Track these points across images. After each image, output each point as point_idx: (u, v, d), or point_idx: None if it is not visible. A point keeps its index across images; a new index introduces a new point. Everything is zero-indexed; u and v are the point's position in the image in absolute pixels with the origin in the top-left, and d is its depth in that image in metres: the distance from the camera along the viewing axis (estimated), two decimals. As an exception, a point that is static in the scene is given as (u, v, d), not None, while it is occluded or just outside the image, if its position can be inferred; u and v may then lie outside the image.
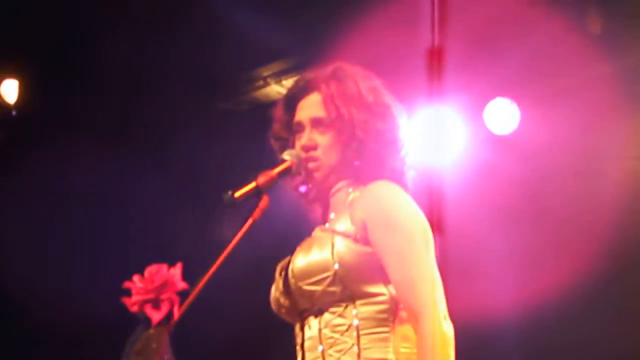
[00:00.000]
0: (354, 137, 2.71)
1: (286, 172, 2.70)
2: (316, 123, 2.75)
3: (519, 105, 5.25)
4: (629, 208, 4.95)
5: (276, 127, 2.85)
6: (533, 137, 5.21)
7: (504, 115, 5.26)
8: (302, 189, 2.83)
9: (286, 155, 2.73)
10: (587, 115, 5.05)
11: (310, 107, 2.78)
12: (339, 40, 4.58)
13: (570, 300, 4.95)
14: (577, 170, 5.15)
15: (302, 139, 2.75)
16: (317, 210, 2.85)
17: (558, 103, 5.15)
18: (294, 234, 2.85)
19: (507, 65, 5.05)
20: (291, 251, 2.74)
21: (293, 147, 2.80)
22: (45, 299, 5.68)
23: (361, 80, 2.77)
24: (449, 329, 2.51)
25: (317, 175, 2.74)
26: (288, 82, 5.64)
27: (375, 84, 2.78)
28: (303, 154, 2.74)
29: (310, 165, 2.73)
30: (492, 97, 5.27)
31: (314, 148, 2.74)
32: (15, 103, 5.57)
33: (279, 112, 2.86)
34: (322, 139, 2.74)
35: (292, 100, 2.84)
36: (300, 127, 2.78)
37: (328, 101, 2.73)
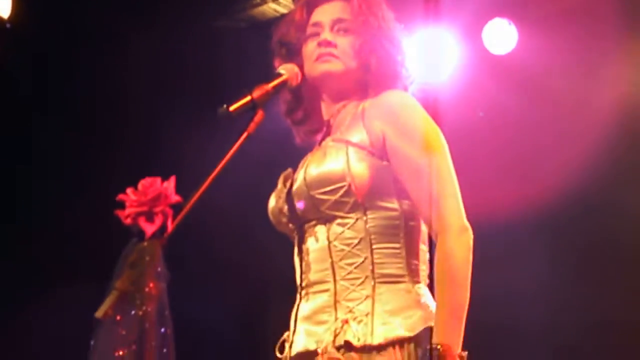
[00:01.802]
0: (380, 46, 2.71)
1: (281, 85, 2.69)
2: (338, 24, 2.74)
3: (517, 26, 5.22)
4: (624, 131, 4.95)
5: (287, 30, 2.82)
6: (530, 58, 5.18)
7: (501, 35, 5.23)
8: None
9: (282, 69, 2.72)
10: (585, 37, 5.02)
11: (333, 10, 2.76)
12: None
13: (557, 212, 5.00)
14: (572, 92, 5.13)
15: (322, 36, 2.73)
16: (304, 133, 2.85)
17: (557, 24, 5.11)
18: (289, 150, 2.85)
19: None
20: (289, 165, 2.75)
21: (300, 55, 2.78)
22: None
23: (383, 3, 2.78)
24: (468, 241, 2.52)
25: (331, 67, 2.70)
26: (285, 1, 5.59)
27: (391, 14, 2.79)
28: (297, 69, 2.73)
29: (325, 58, 2.71)
30: (491, 17, 5.23)
31: (334, 45, 2.71)
32: (9, 17, 5.52)
33: (295, 14, 2.83)
34: (343, 40, 2.72)
35: (310, 4, 2.81)
36: (318, 28, 2.76)
37: (356, 7, 2.72)
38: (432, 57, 5.09)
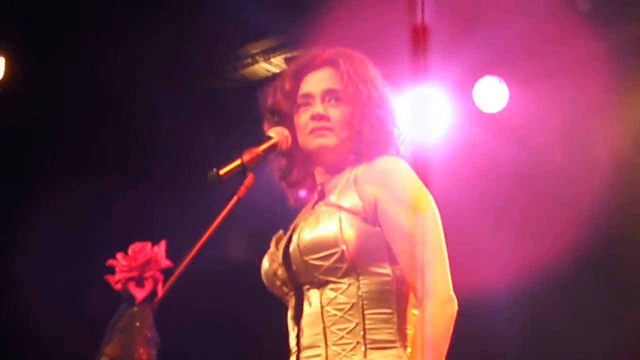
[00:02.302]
0: (372, 114, 2.71)
1: (272, 149, 2.69)
2: (329, 95, 2.74)
3: (507, 83, 5.25)
4: (616, 186, 4.96)
5: (277, 98, 2.81)
6: (521, 115, 5.20)
7: (492, 93, 5.25)
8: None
9: (272, 132, 2.72)
10: (575, 93, 5.05)
11: (322, 80, 2.77)
12: (325, 19, 4.57)
13: (557, 272, 4.98)
14: (565, 148, 5.15)
15: (314, 109, 2.73)
16: (297, 196, 2.85)
17: (547, 81, 5.15)
18: (279, 212, 2.84)
19: (495, 43, 5.04)
20: (279, 227, 2.74)
21: (291, 122, 2.78)
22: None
23: (368, 65, 2.79)
24: (452, 312, 2.51)
25: (326, 142, 2.71)
26: (276, 60, 5.63)
27: (377, 72, 2.80)
28: (287, 132, 2.73)
29: (319, 132, 2.71)
30: (481, 75, 5.26)
31: (327, 118, 2.72)
32: (2, 80, 5.55)
33: (284, 84, 2.82)
34: (335, 112, 2.73)
35: (298, 73, 2.81)
36: (308, 99, 2.76)
37: (345, 76, 2.73)
38: (422, 116, 5.11)
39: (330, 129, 2.72)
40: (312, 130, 2.72)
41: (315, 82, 2.77)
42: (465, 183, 5.22)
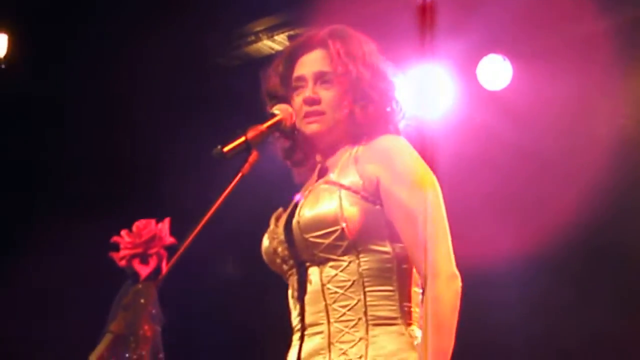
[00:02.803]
0: (362, 93, 2.71)
1: (276, 126, 2.69)
2: (320, 77, 2.74)
3: (511, 61, 5.24)
4: (619, 165, 4.95)
5: (273, 81, 2.83)
6: (525, 94, 5.20)
7: (496, 71, 5.24)
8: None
9: (276, 110, 2.72)
10: (579, 72, 5.03)
11: (314, 62, 2.77)
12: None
13: (557, 251, 4.99)
14: (568, 126, 5.14)
15: (306, 92, 2.74)
16: (304, 173, 2.85)
17: (551, 59, 5.14)
18: (284, 189, 2.85)
19: (499, 21, 5.03)
20: (281, 204, 2.74)
21: (290, 101, 2.78)
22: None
23: (363, 42, 2.78)
24: (457, 288, 2.51)
25: (319, 127, 2.72)
26: (280, 38, 5.62)
27: (374, 47, 2.80)
28: (291, 109, 2.73)
29: (312, 119, 2.72)
30: (485, 53, 5.25)
31: (318, 102, 2.72)
32: (5, 56, 5.55)
33: (277, 67, 2.84)
34: (327, 94, 2.73)
35: (292, 56, 2.82)
36: (301, 82, 2.77)
37: (335, 57, 2.73)
38: (427, 94, 5.11)
39: (322, 113, 2.72)
40: (306, 115, 2.73)
41: (307, 64, 2.78)
42: (468, 160, 5.22)
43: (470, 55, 5.23)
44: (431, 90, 5.16)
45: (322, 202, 2.59)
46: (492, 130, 5.27)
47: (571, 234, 4.93)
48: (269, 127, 2.65)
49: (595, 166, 4.93)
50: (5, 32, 5.61)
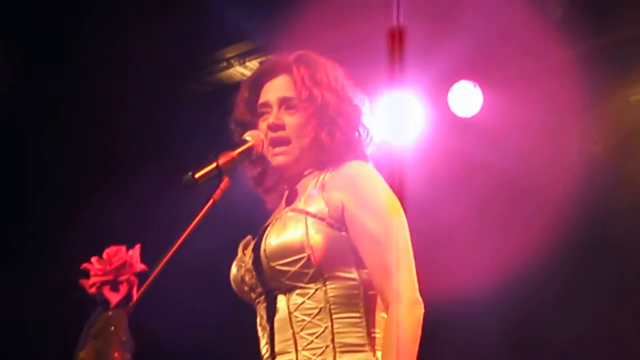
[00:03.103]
0: (327, 118, 2.71)
1: (247, 152, 2.69)
2: (285, 103, 2.74)
3: (482, 88, 5.27)
4: (589, 187, 4.99)
5: (239, 109, 2.84)
6: (496, 120, 5.23)
7: (467, 98, 5.27)
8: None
9: (247, 136, 2.72)
10: (549, 98, 5.08)
11: (278, 88, 2.77)
12: (301, 22, 4.57)
13: (534, 271, 5.00)
14: (539, 152, 5.18)
15: (270, 119, 2.74)
16: (274, 199, 2.85)
17: (521, 86, 5.17)
18: (254, 216, 2.84)
19: (470, 48, 5.06)
20: (249, 232, 2.74)
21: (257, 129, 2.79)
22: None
23: (328, 67, 2.79)
24: (419, 315, 2.51)
25: (285, 159, 2.73)
26: (252, 64, 5.63)
27: (339, 72, 2.80)
28: (263, 135, 2.73)
29: (278, 150, 2.72)
30: (456, 80, 5.28)
31: (282, 127, 2.72)
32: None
33: (242, 94, 2.84)
34: (291, 120, 2.73)
35: (257, 82, 2.83)
36: (266, 108, 2.77)
37: (299, 82, 2.73)
38: (397, 121, 5.12)
39: (287, 141, 2.72)
40: (271, 142, 2.73)
41: (272, 90, 2.78)
42: (441, 186, 5.24)
43: (441, 81, 5.26)
44: (402, 117, 5.18)
45: (288, 230, 2.59)
46: (464, 155, 5.29)
47: (543, 257, 4.95)
48: (240, 153, 2.65)
49: (566, 190, 4.96)
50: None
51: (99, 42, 5.42)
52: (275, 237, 2.61)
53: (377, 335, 2.60)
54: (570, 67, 4.95)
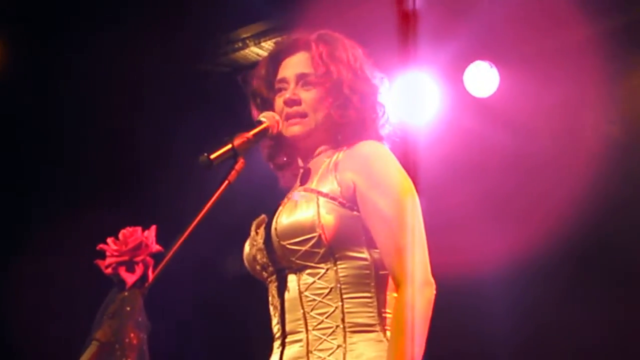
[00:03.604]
0: (341, 95, 2.71)
1: (262, 133, 2.69)
2: (302, 79, 2.75)
3: (498, 68, 5.24)
4: (606, 170, 4.96)
5: (257, 83, 2.85)
6: (512, 100, 5.20)
7: (483, 78, 5.25)
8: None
9: (262, 117, 2.72)
10: (566, 78, 5.05)
11: (296, 64, 2.78)
12: (316, 3, 4.55)
13: (546, 256, 4.99)
14: (555, 133, 5.16)
15: (286, 94, 2.75)
16: (288, 177, 2.85)
17: (538, 66, 5.15)
18: (268, 195, 2.85)
19: (486, 27, 5.04)
20: (265, 211, 2.74)
21: (273, 108, 2.79)
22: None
23: (348, 46, 2.79)
24: (430, 296, 2.51)
25: (300, 130, 2.73)
26: (267, 44, 5.61)
27: (359, 52, 2.80)
28: (278, 117, 2.74)
29: (293, 121, 2.73)
30: (472, 60, 5.26)
31: (299, 103, 2.73)
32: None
33: (261, 69, 2.86)
34: (308, 95, 2.74)
35: (276, 58, 2.84)
36: (284, 84, 2.78)
37: (316, 59, 2.74)
38: (413, 101, 5.11)
39: (304, 114, 2.73)
40: (287, 117, 2.74)
41: (290, 66, 2.79)
42: (455, 167, 5.22)
43: (456, 62, 5.24)
44: (417, 97, 5.16)
45: (300, 209, 2.60)
46: (479, 136, 5.27)
47: (560, 239, 4.93)
48: (255, 134, 2.65)
49: (583, 171, 4.94)
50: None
51: (114, 25, 5.42)
52: (286, 217, 2.61)
53: (387, 315, 2.60)
54: (588, 47, 4.92)
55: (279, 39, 5.34)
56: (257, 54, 5.67)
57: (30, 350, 5.63)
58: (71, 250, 5.00)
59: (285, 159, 2.87)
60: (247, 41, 5.72)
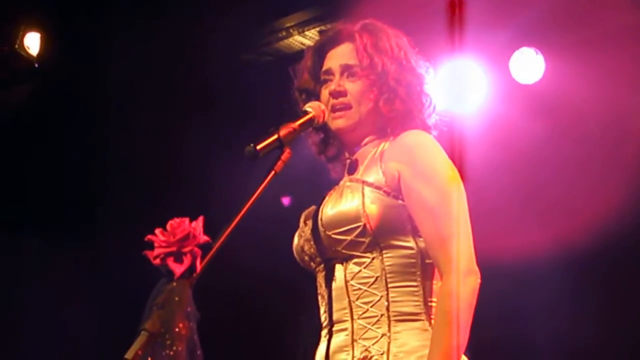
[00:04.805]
0: (387, 87, 2.72)
1: (308, 123, 2.70)
2: (347, 70, 2.75)
3: (544, 55, 5.20)
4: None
5: (303, 76, 2.86)
6: (558, 87, 5.16)
7: (529, 65, 5.21)
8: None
9: (308, 107, 2.73)
10: (612, 65, 4.99)
11: (341, 56, 2.79)
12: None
13: (587, 248, 4.94)
14: (601, 120, 5.10)
15: (332, 86, 2.75)
16: (339, 169, 2.86)
17: (584, 53, 5.09)
18: (316, 185, 2.85)
19: (533, 14, 5.00)
20: (313, 202, 2.74)
21: (318, 99, 2.79)
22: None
23: (392, 35, 2.79)
24: (474, 285, 2.51)
25: (345, 122, 2.73)
26: (311, 33, 5.61)
27: (403, 41, 2.80)
28: (324, 106, 2.74)
29: (338, 114, 2.73)
30: (518, 47, 5.22)
31: (344, 94, 2.74)
32: (38, 55, 5.58)
33: (307, 61, 2.86)
34: (353, 86, 2.74)
35: (321, 50, 2.85)
36: (329, 75, 2.78)
37: (361, 50, 2.74)
38: (459, 88, 5.09)
39: (349, 106, 2.73)
40: (332, 109, 2.75)
41: (335, 58, 2.80)
42: (500, 155, 5.19)
43: (502, 48, 5.20)
44: (463, 85, 5.14)
45: (345, 199, 2.61)
46: (525, 123, 5.23)
47: (605, 234, 4.88)
48: (301, 124, 2.66)
49: (630, 162, 4.88)
50: (38, 31, 5.64)
51: (154, 13, 5.44)
52: (331, 207, 2.63)
53: (433, 304, 2.60)
54: (635, 33, 4.86)
55: (322, 27, 5.38)
56: (301, 43, 5.67)
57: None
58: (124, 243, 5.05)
59: (334, 150, 2.87)
60: (291, 30, 5.72)
